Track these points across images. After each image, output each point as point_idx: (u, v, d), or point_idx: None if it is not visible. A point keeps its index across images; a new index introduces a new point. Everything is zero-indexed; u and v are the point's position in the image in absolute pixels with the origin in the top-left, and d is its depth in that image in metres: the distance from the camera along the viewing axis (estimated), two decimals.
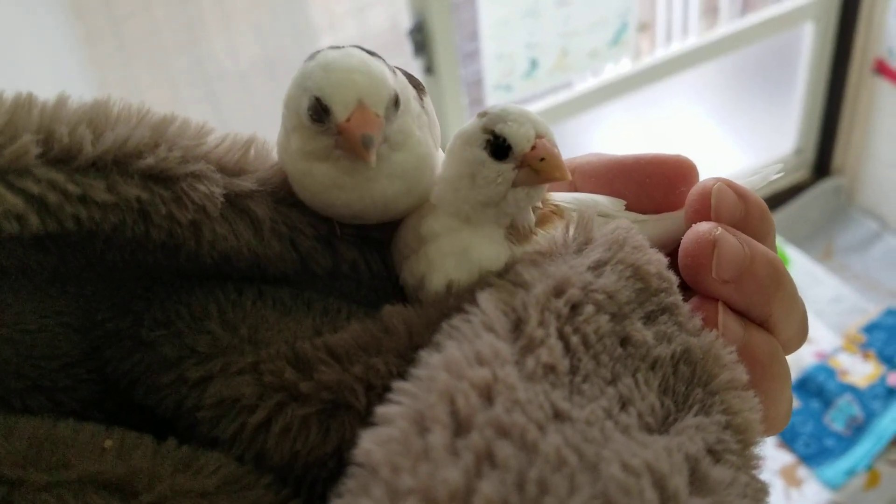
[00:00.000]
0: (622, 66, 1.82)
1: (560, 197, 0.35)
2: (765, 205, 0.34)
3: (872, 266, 2.07)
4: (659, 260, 0.30)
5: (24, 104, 0.28)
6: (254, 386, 0.31)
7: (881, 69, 1.99)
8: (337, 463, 0.29)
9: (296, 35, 1.52)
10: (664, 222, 0.35)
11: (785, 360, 0.33)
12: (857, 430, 1.56)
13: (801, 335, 0.34)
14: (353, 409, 0.30)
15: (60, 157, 0.28)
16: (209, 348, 0.32)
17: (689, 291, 0.32)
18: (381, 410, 0.23)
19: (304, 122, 0.31)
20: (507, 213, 0.32)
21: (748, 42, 1.91)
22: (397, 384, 0.24)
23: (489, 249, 0.32)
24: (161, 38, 1.42)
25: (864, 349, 1.69)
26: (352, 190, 0.32)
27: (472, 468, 0.22)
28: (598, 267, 0.29)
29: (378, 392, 0.29)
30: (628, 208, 0.35)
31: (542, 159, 0.30)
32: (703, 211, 0.32)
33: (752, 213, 0.33)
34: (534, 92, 1.76)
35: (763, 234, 0.33)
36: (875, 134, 2.11)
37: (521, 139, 0.31)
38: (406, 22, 1.54)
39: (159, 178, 0.30)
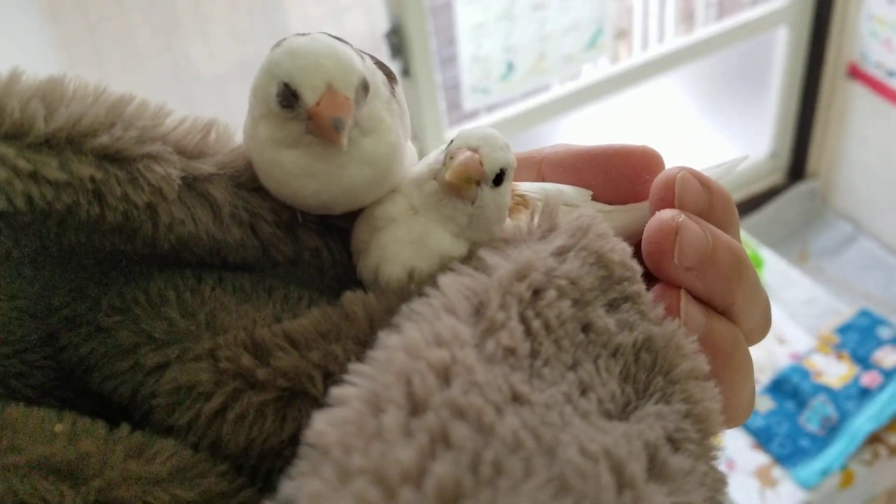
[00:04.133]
0: (600, 70, 1.83)
1: (526, 187, 0.35)
2: (729, 194, 0.34)
3: (846, 268, 2.09)
4: (623, 248, 0.30)
5: None
6: (210, 373, 0.30)
7: (854, 73, 2.01)
8: (293, 451, 0.29)
9: (272, 40, 1.51)
10: (630, 213, 0.35)
11: (747, 349, 0.33)
12: (832, 430, 1.57)
13: (763, 326, 0.34)
14: (311, 397, 0.29)
15: (11, 132, 0.27)
16: (166, 335, 0.31)
17: (653, 281, 0.32)
18: (336, 392, 0.23)
19: (274, 109, 0.30)
20: (450, 219, 0.32)
21: (723, 46, 1.92)
22: (354, 366, 0.24)
23: (448, 240, 0.32)
24: (137, 42, 1.41)
25: (838, 350, 1.70)
26: (322, 177, 0.31)
27: (426, 449, 0.21)
28: (561, 253, 0.29)
29: (336, 379, 0.28)
30: (595, 199, 0.35)
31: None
32: (668, 199, 0.32)
33: (715, 202, 0.33)
34: (511, 95, 1.77)
35: (726, 223, 0.33)
36: (849, 137, 2.13)
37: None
38: (383, 26, 1.54)
39: (114, 157, 0.29)
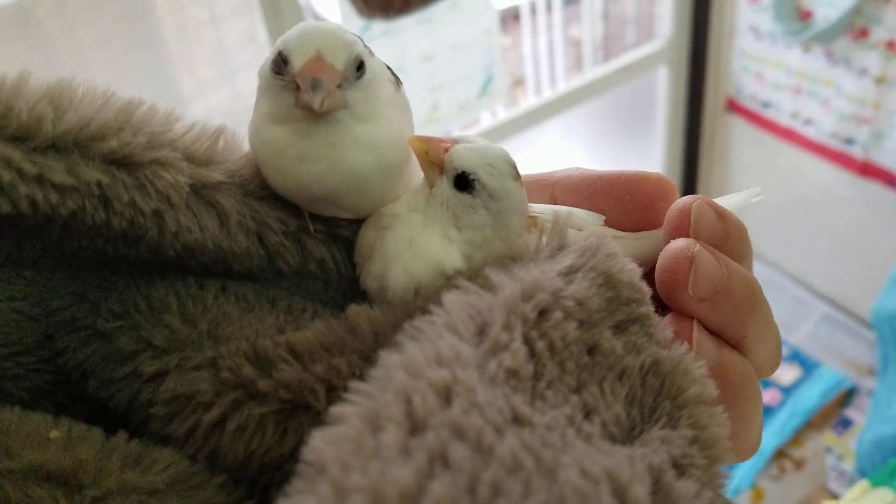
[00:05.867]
0: (497, 116, 1.88)
1: (538, 209, 0.34)
2: (743, 226, 0.33)
3: None
4: (632, 269, 0.29)
5: None
6: (210, 382, 0.29)
7: (732, 107, 2.12)
8: (293, 466, 0.28)
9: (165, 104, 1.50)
10: (642, 241, 0.34)
11: (757, 383, 0.32)
12: None
13: (773, 361, 0.34)
14: (313, 411, 0.29)
15: (18, 134, 0.27)
16: (166, 342, 0.30)
17: (665, 310, 0.31)
18: (335, 409, 0.23)
19: (268, 79, 0.31)
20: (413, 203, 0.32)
21: (609, 87, 2.01)
22: (354, 384, 0.23)
23: (436, 240, 0.32)
24: None
25: None
26: (319, 160, 0.31)
27: (425, 468, 0.21)
28: (569, 273, 0.28)
29: (339, 393, 0.27)
30: (607, 225, 0.35)
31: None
32: (683, 228, 0.32)
33: (731, 233, 0.32)
34: None
35: (741, 254, 0.33)
36: (732, 167, 2.24)
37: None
38: None
39: (122, 163, 0.29)
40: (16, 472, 0.27)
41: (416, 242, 0.31)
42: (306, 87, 0.29)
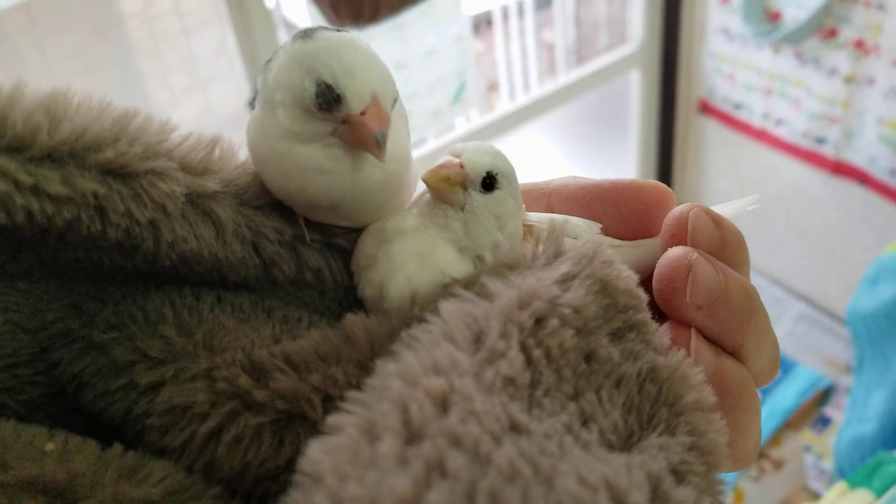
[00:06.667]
0: (472, 121, 1.89)
1: (535, 217, 0.34)
2: (741, 233, 0.33)
3: None
4: (628, 276, 0.30)
5: None
6: (206, 393, 0.29)
7: (705, 108, 2.14)
8: (289, 477, 0.27)
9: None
10: (640, 249, 0.34)
11: (755, 391, 0.32)
12: None
13: (772, 369, 0.34)
14: (309, 421, 0.28)
15: (13, 144, 0.27)
16: (162, 353, 0.30)
17: (663, 318, 0.31)
18: (332, 419, 0.23)
19: (307, 105, 0.30)
20: (445, 228, 0.32)
21: (582, 91, 2.03)
22: (351, 394, 0.23)
23: (452, 255, 0.32)
24: None
25: None
26: (334, 176, 0.31)
27: (422, 477, 0.21)
28: (565, 280, 0.28)
29: (336, 403, 0.27)
30: (604, 233, 0.35)
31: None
32: (680, 236, 0.32)
33: (728, 240, 0.32)
34: None
35: (738, 262, 0.33)
36: (706, 168, 2.27)
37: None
38: (247, 93, 1.54)
39: (118, 173, 0.28)
40: (11, 486, 0.26)
41: (426, 255, 0.31)
42: (370, 139, 0.29)
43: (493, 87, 2.07)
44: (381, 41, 1.65)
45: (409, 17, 1.62)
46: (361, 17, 1.43)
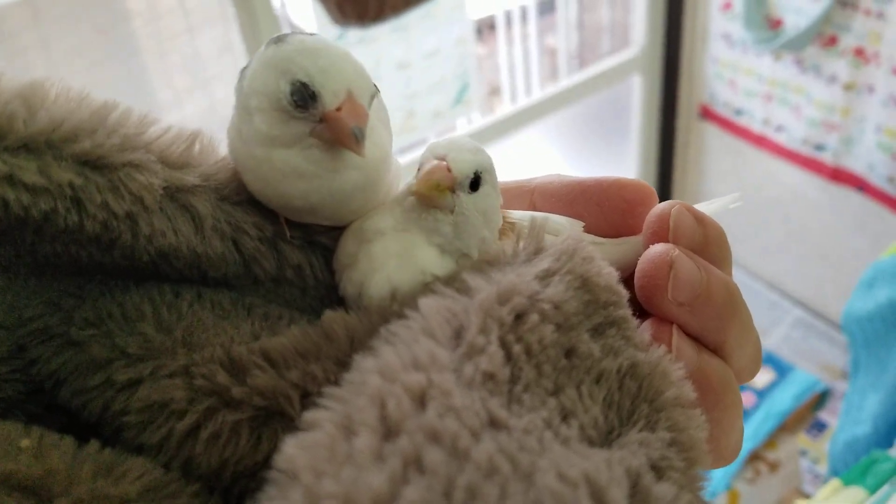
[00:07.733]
0: (473, 123, 1.89)
1: (516, 215, 0.34)
2: (723, 231, 0.33)
3: None
4: (609, 273, 0.29)
5: None
6: (184, 390, 0.29)
7: (706, 114, 2.15)
8: (268, 474, 0.28)
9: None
10: (622, 246, 0.34)
11: (737, 388, 0.32)
12: None
13: (754, 366, 0.34)
14: (288, 417, 0.28)
15: None
16: (140, 350, 0.30)
17: (645, 315, 0.31)
18: (309, 415, 0.22)
19: (283, 106, 0.30)
20: (435, 232, 0.31)
21: (584, 95, 2.03)
22: (328, 389, 0.23)
23: (433, 254, 0.31)
24: None
25: None
26: (313, 179, 0.31)
27: (399, 473, 0.21)
28: (546, 276, 0.28)
29: (314, 400, 0.27)
30: (587, 231, 0.35)
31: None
32: (662, 233, 0.32)
33: (710, 238, 0.32)
34: None
35: (720, 260, 0.33)
36: (706, 174, 2.27)
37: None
38: None
39: (95, 164, 0.28)
40: None
41: (406, 255, 0.31)
42: (347, 134, 0.29)
43: (494, 91, 2.08)
44: (385, 41, 1.65)
45: (412, 17, 1.62)
46: (366, 16, 1.43)
